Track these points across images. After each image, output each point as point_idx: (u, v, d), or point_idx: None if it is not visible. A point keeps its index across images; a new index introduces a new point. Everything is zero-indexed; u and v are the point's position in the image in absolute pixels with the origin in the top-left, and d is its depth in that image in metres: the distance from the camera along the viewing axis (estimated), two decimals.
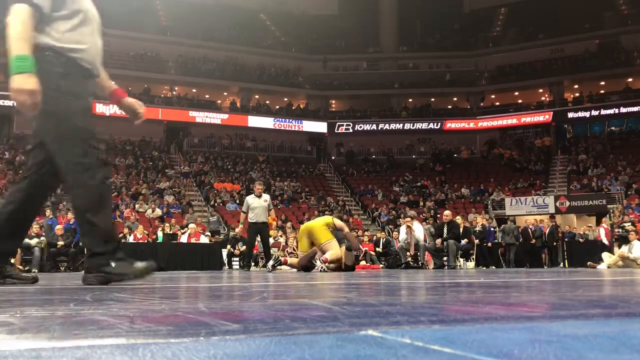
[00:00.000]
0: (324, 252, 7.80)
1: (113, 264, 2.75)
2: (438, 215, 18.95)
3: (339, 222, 8.51)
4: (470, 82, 32.71)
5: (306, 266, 7.93)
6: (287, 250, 13.91)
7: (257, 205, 9.71)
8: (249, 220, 9.76)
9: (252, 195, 9.95)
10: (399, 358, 0.61)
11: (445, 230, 12.19)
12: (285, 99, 33.05)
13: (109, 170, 2.98)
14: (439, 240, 12.09)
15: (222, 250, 13.86)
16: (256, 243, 10.86)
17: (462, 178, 27.72)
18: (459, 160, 30.23)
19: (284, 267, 9.63)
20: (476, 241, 13.32)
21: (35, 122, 2.89)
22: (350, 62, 34.41)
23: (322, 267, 7.49)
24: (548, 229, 15.27)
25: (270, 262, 8.28)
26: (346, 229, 8.73)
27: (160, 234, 13.98)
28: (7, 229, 2.90)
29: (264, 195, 9.95)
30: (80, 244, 13.11)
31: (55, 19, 2.80)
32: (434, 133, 31.92)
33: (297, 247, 10.64)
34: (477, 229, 14.19)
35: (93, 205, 2.79)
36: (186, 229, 14.55)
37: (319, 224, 8.22)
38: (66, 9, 2.83)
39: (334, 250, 7.74)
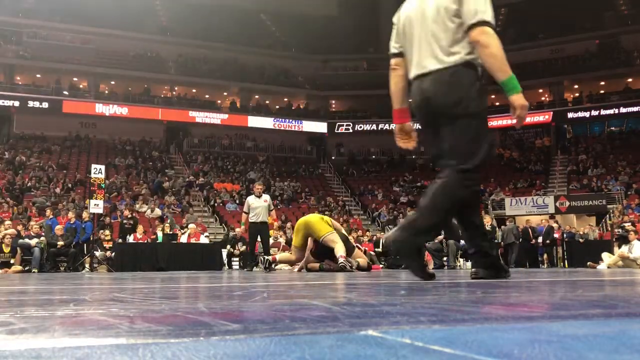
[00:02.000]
0: (326, 245, 7.50)
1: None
2: None
3: (335, 223, 8.41)
4: None
5: (309, 268, 7.78)
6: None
7: (258, 205, 9.80)
8: (250, 220, 9.83)
9: (253, 196, 10.05)
10: (399, 358, 0.61)
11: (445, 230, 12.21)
12: (285, 99, 33.05)
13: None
14: (439, 239, 12.12)
15: (222, 250, 13.87)
16: (257, 243, 10.88)
17: None
18: None
19: (282, 266, 9.59)
20: None
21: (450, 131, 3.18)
22: (350, 62, 34.39)
23: (345, 265, 6.92)
24: (544, 229, 15.30)
25: (261, 265, 8.27)
26: (342, 230, 8.44)
27: (160, 234, 13.97)
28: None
29: (264, 195, 10.02)
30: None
31: None
32: None
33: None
34: (487, 228, 14.22)
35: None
36: (186, 229, 14.54)
37: (316, 217, 8.08)
38: None
39: (340, 243, 7.41)
